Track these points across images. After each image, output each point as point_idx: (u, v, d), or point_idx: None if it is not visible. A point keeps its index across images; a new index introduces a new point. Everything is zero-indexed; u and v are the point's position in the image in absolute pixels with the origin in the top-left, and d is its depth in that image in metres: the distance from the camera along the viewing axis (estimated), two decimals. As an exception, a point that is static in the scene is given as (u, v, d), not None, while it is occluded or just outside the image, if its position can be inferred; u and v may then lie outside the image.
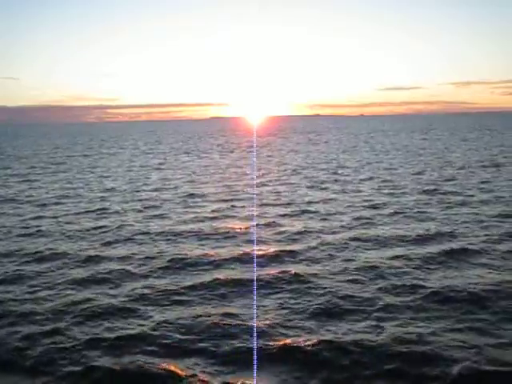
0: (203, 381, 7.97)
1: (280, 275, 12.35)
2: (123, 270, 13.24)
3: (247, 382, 7.92)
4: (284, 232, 16.56)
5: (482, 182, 26.30)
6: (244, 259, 13.74)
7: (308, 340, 9.00)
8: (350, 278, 12.12)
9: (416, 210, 19.56)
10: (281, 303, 10.70)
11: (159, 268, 13.29)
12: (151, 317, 10.24)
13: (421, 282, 11.64)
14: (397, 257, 13.57)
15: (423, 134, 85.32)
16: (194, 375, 8.12)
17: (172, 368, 8.33)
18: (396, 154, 45.55)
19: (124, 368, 8.37)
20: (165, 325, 9.81)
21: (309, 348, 8.78)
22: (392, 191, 24.38)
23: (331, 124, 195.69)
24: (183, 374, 8.16)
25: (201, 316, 10.15)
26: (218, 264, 13.45)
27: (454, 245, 14.52)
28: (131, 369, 8.35)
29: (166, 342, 9.18)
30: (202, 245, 15.50)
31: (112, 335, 9.44)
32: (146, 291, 11.60)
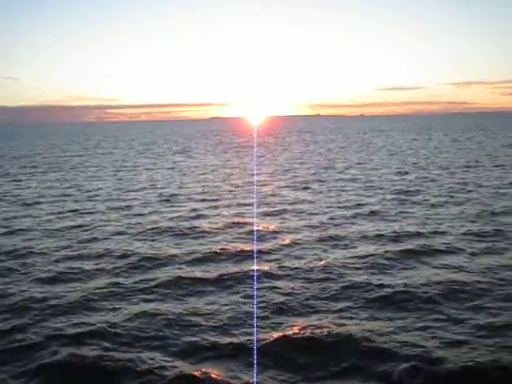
0: (158, 374, 8.14)
1: (246, 273, 12.54)
2: (95, 267, 13.48)
3: (196, 374, 8.09)
4: (258, 231, 16.73)
5: (465, 183, 26.49)
6: (213, 258, 13.97)
7: (263, 339, 9.15)
8: (315, 276, 12.29)
9: (394, 210, 19.75)
10: (243, 302, 10.86)
11: (130, 266, 13.50)
12: (113, 314, 10.42)
13: (385, 282, 11.79)
14: (365, 256, 13.73)
15: (418, 135, 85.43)
16: (149, 369, 8.29)
17: (129, 363, 8.48)
18: (385, 155, 45.75)
19: (81, 364, 8.53)
20: (124, 322, 9.98)
21: (263, 346, 8.92)
22: (374, 191, 24.60)
23: (331, 124, 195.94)
24: (139, 368, 8.32)
25: (161, 313, 10.32)
26: (187, 262, 13.67)
27: (425, 244, 14.69)
28: (88, 364, 8.52)
29: (123, 339, 9.34)
30: (177, 244, 15.71)
31: (72, 332, 9.60)
32: (112, 288, 11.82)
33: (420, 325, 9.65)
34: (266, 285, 11.82)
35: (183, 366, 8.42)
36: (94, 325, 9.91)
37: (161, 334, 9.56)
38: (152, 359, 8.65)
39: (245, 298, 11.03)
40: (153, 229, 17.61)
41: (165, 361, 8.63)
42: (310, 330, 9.44)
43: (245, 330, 9.61)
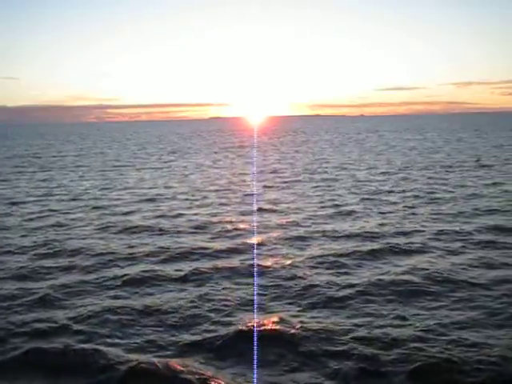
0: (117, 369, 8.27)
1: (212, 273, 12.68)
2: (67, 265, 13.64)
3: (153, 368, 8.24)
4: (233, 230, 16.92)
5: (447, 184, 26.62)
6: (184, 256, 14.16)
7: (221, 336, 9.28)
8: (281, 275, 12.41)
9: (372, 211, 19.85)
10: (205, 300, 10.99)
11: (102, 264, 13.68)
12: (77, 310, 10.57)
13: (349, 281, 11.85)
14: (334, 255, 13.84)
15: (413, 135, 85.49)
16: (109, 365, 8.42)
17: (90, 358, 8.61)
18: (375, 155, 45.85)
19: (41, 359, 8.69)
20: (87, 318, 10.15)
21: (221, 343, 9.08)
22: (355, 191, 24.78)
23: (330, 124, 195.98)
24: (99, 363, 8.45)
25: (126, 309, 10.47)
26: (159, 260, 13.86)
27: (396, 244, 14.77)
28: (48, 359, 8.67)
29: (85, 335, 9.49)
30: (152, 242, 15.81)
31: (35, 327, 9.76)
32: (80, 285, 12.02)
33: (377, 324, 9.67)
34: (231, 284, 11.94)
35: (142, 361, 8.52)
36: (56, 321, 10.06)
37: (123, 329, 9.71)
38: (112, 354, 8.77)
39: (207, 296, 11.19)
40: (131, 227, 17.78)
41: (125, 356, 8.75)
42: (266, 328, 9.55)
43: (204, 327, 9.76)
